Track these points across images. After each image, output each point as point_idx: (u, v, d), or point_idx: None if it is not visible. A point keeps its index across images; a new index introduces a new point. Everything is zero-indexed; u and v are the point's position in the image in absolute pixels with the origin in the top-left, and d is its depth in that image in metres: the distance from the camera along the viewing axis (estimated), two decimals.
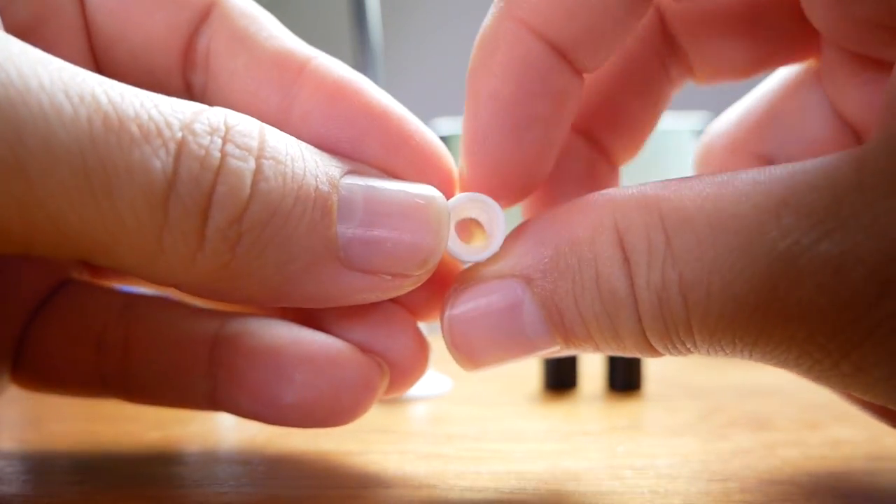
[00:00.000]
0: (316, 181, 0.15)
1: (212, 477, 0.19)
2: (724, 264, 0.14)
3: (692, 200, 0.14)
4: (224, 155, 0.14)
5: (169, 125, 0.14)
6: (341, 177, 0.16)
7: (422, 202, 0.16)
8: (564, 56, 0.17)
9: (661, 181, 0.15)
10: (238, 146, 0.15)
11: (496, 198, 0.17)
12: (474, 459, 0.20)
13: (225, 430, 0.24)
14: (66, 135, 0.13)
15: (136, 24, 0.18)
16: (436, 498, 0.18)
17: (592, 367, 0.32)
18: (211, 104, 0.15)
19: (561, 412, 0.26)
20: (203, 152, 0.14)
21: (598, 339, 0.15)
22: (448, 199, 0.17)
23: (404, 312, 0.19)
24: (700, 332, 0.14)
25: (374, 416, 0.25)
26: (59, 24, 0.18)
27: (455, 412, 0.26)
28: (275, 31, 0.18)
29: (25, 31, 0.17)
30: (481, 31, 0.17)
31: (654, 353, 0.16)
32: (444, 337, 0.17)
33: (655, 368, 0.32)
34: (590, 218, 0.15)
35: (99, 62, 0.18)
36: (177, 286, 0.16)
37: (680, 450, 0.21)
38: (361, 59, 0.35)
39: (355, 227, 0.16)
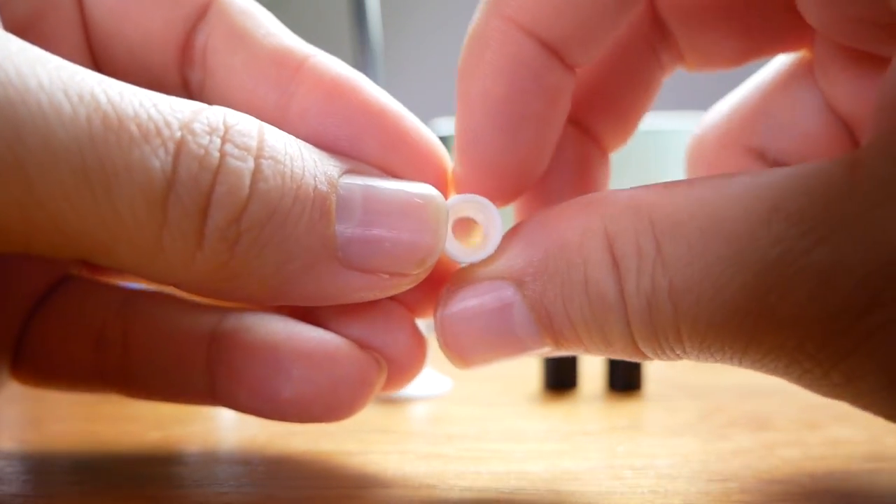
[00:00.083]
0: (315, 181, 0.15)
1: (212, 477, 0.19)
2: (714, 271, 0.14)
3: (683, 205, 0.14)
4: (223, 155, 0.14)
5: (168, 124, 0.14)
6: (340, 176, 0.16)
7: (420, 201, 0.16)
8: (555, 53, 0.17)
9: (653, 185, 0.15)
10: (237, 146, 0.15)
11: (491, 197, 0.17)
12: (474, 459, 0.20)
13: (225, 430, 0.24)
14: (66, 134, 0.13)
15: (134, 21, 0.18)
16: (436, 498, 0.18)
17: (592, 367, 0.32)
18: (208, 101, 0.15)
19: (561, 412, 0.26)
20: (202, 152, 0.14)
21: (587, 342, 0.15)
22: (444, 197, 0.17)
23: (402, 309, 0.19)
24: (690, 338, 0.14)
25: (374, 416, 0.25)
26: (58, 20, 0.18)
27: (455, 412, 0.26)
28: (272, 29, 0.18)
29: (24, 27, 0.17)
30: (470, 30, 0.17)
31: (644, 357, 0.16)
32: (436, 336, 0.17)
33: (655, 368, 0.32)
34: (579, 221, 0.15)
35: (96, 58, 0.18)
36: (176, 285, 0.16)
37: (680, 450, 0.21)
38: (361, 58, 0.35)
39: (354, 227, 0.16)
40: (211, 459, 0.21)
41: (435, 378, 0.30)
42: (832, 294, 0.13)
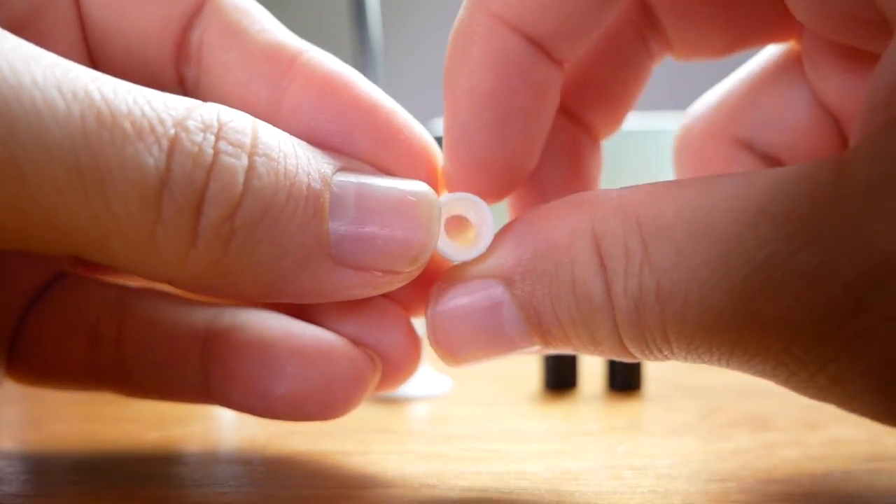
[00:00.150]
0: (308, 178, 0.15)
1: (212, 477, 0.19)
2: (701, 274, 0.14)
3: (671, 207, 0.14)
4: (217, 152, 0.14)
5: (162, 122, 0.14)
6: (333, 174, 0.16)
7: (413, 199, 0.16)
8: (542, 48, 0.16)
9: (641, 185, 0.15)
10: (231, 143, 0.15)
11: (482, 194, 0.17)
12: (474, 459, 0.20)
13: (225, 430, 0.24)
14: (59, 131, 0.13)
15: (130, 18, 0.18)
16: (436, 498, 0.17)
17: (592, 367, 0.32)
18: (203, 98, 0.15)
19: (561, 412, 0.26)
20: (196, 149, 0.14)
21: (575, 341, 0.15)
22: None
23: (396, 307, 0.19)
24: (677, 340, 0.14)
25: (374, 416, 0.25)
26: (55, 18, 0.18)
27: (455, 412, 0.26)
28: (267, 25, 0.18)
29: (21, 25, 0.17)
30: (455, 26, 0.17)
31: (632, 357, 0.16)
32: (427, 333, 0.17)
33: (655, 368, 0.32)
34: (568, 221, 0.15)
35: (93, 55, 0.18)
36: (170, 282, 0.16)
37: (680, 450, 0.21)
38: (361, 58, 0.35)
39: (347, 224, 0.16)
40: (211, 459, 0.21)
41: (435, 378, 0.30)
42: (819, 297, 0.13)
